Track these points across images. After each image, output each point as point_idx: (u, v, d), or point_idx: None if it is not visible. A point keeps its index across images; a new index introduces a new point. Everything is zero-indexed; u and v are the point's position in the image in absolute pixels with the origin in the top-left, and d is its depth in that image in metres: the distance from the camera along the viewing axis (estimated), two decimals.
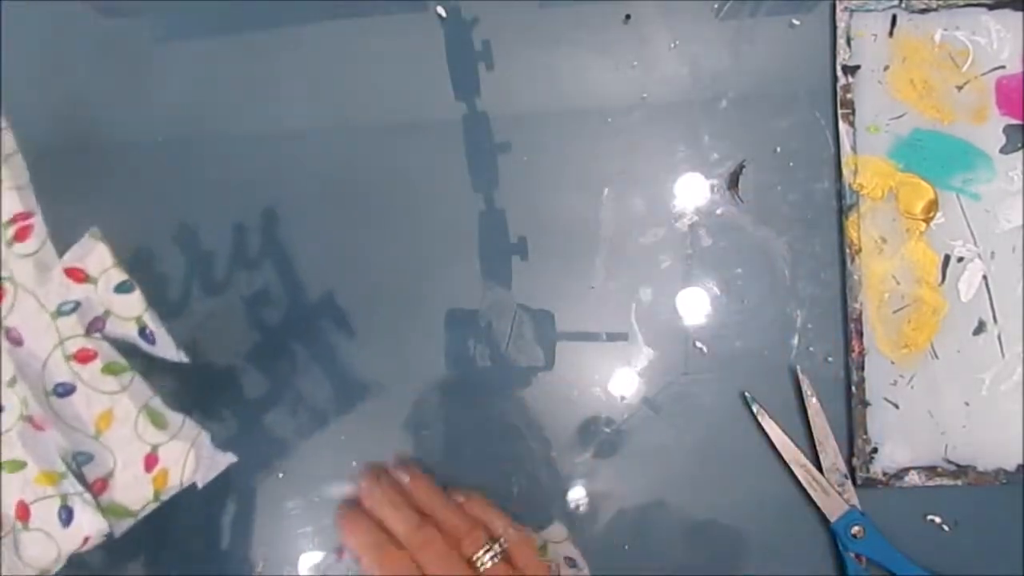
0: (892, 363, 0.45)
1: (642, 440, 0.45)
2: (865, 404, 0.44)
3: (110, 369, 0.42)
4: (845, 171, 0.45)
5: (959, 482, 0.44)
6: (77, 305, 0.42)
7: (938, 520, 0.45)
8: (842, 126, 0.45)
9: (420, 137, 0.46)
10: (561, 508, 0.45)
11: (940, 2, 0.46)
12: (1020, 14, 0.46)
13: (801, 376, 0.45)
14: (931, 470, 0.44)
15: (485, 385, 0.46)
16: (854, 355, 0.45)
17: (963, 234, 0.45)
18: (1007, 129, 0.45)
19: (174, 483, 0.43)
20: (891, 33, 0.46)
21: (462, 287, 0.46)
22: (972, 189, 0.45)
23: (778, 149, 0.46)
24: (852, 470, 0.44)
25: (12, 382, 0.41)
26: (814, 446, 0.44)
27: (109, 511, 0.42)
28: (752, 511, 0.45)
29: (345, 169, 0.46)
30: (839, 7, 0.45)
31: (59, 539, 0.41)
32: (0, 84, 0.46)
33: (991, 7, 0.46)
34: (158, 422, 0.42)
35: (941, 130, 0.45)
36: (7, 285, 0.41)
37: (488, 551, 0.40)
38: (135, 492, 0.42)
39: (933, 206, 0.45)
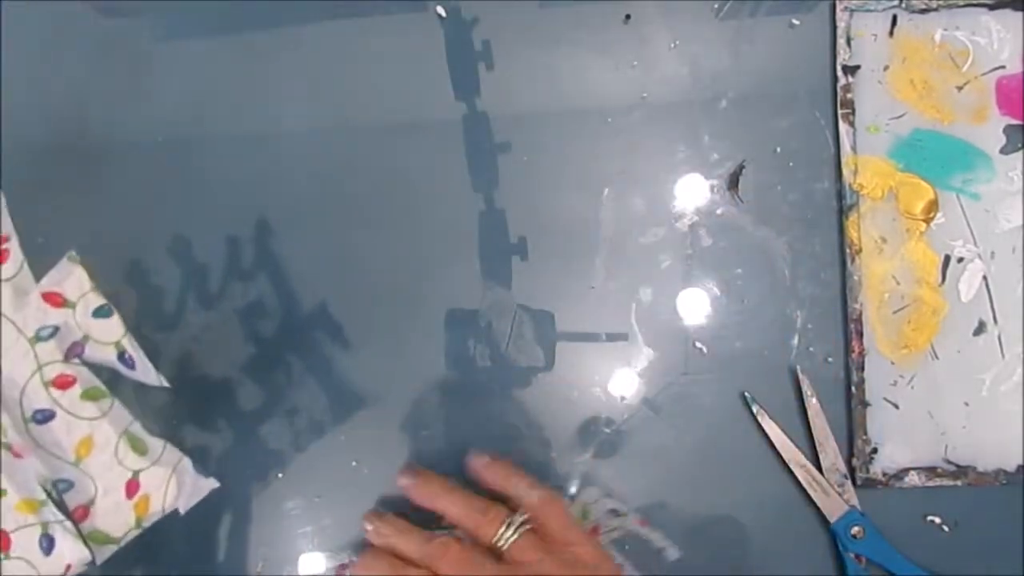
0: (892, 363, 0.45)
1: (642, 440, 0.45)
2: (865, 404, 0.44)
3: (89, 395, 0.41)
4: (845, 171, 0.45)
5: (959, 482, 0.44)
6: (55, 330, 0.41)
7: (938, 520, 0.45)
8: (842, 126, 0.45)
9: (420, 137, 0.46)
10: None
11: (940, 2, 0.45)
12: (1020, 14, 0.46)
13: (801, 376, 0.45)
14: (931, 471, 0.44)
15: (485, 385, 0.46)
16: (854, 355, 0.45)
17: (963, 234, 0.45)
18: (1007, 129, 0.45)
19: (156, 509, 0.42)
20: (891, 33, 0.46)
21: (462, 287, 0.46)
22: (972, 189, 0.45)
23: (778, 149, 0.46)
24: (852, 470, 0.44)
25: None
26: (814, 446, 0.44)
27: (91, 538, 0.41)
28: (752, 511, 0.45)
29: (345, 169, 0.46)
30: (839, 7, 0.45)
31: (40, 568, 0.40)
32: (0, 84, 0.46)
33: (991, 7, 0.46)
34: (139, 448, 0.42)
35: (941, 130, 0.45)
36: None
37: (509, 526, 0.39)
38: (117, 519, 0.42)
39: (933, 206, 0.45)
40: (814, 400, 0.44)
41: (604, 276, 0.46)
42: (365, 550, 0.42)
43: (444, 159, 0.46)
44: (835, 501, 0.44)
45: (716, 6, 0.46)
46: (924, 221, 0.45)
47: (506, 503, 0.41)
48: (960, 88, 0.46)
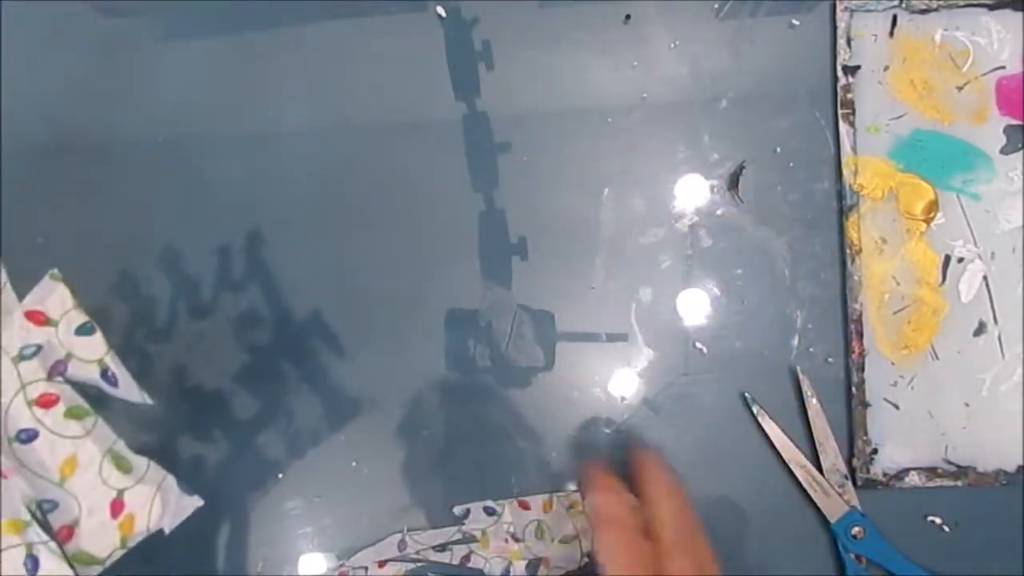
0: (892, 364, 0.45)
1: (642, 440, 0.45)
2: (865, 405, 0.44)
3: (73, 413, 0.41)
4: (845, 171, 0.45)
5: (959, 483, 0.44)
6: (39, 349, 0.41)
7: (938, 521, 0.45)
8: (842, 126, 0.45)
9: (420, 137, 0.46)
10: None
11: (940, 2, 0.45)
12: (1020, 14, 0.46)
13: (801, 377, 0.45)
14: (931, 471, 0.44)
15: (485, 385, 0.46)
16: (854, 356, 0.45)
17: (963, 235, 0.45)
18: (1007, 129, 0.45)
19: (141, 529, 0.42)
20: (891, 33, 0.46)
21: (462, 287, 0.46)
22: (972, 189, 0.45)
23: (778, 149, 0.46)
24: (852, 471, 0.44)
25: None
26: (814, 447, 0.44)
27: (75, 559, 0.40)
28: (752, 511, 0.45)
29: (345, 170, 0.46)
30: (839, 7, 0.45)
31: None
32: (0, 84, 0.46)
33: (991, 7, 0.46)
34: (123, 466, 0.42)
35: (941, 130, 0.45)
36: None
37: None
38: (102, 539, 0.41)
39: (933, 207, 0.45)
40: (814, 400, 0.44)
41: (604, 276, 0.46)
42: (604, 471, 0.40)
43: (444, 159, 0.46)
44: (835, 501, 0.44)
45: (716, 6, 0.46)
46: (924, 221, 0.45)
47: None
48: (960, 88, 0.46)
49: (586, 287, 0.46)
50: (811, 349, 0.45)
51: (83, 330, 0.42)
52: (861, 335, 0.45)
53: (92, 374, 0.42)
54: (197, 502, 0.43)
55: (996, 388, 0.45)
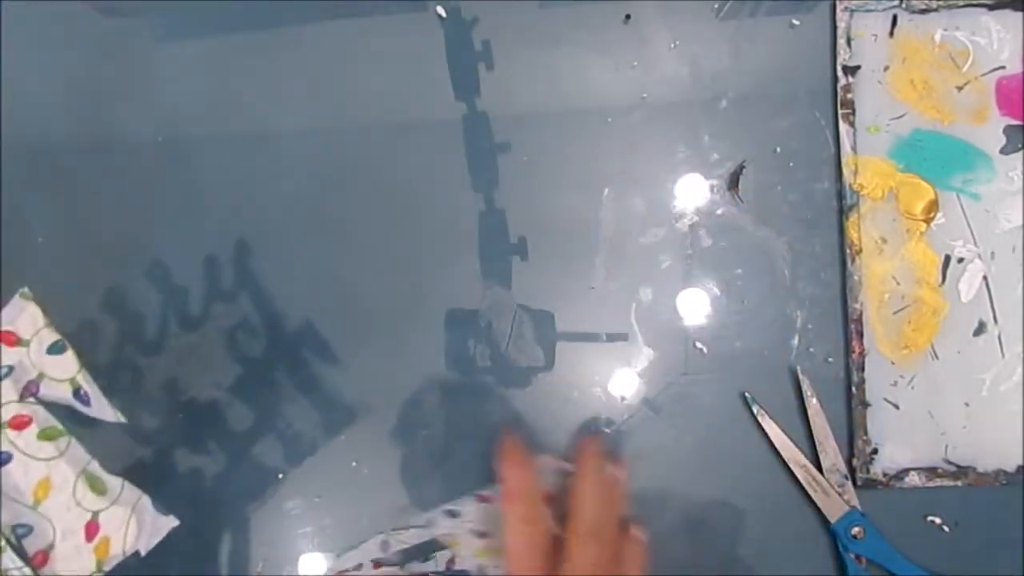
0: (892, 364, 0.45)
1: (642, 440, 0.45)
2: (865, 405, 0.44)
3: (46, 435, 0.41)
4: (845, 171, 0.45)
5: (959, 483, 0.44)
6: (11, 370, 0.40)
7: (938, 521, 0.45)
8: (842, 126, 0.45)
9: (420, 137, 0.46)
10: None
11: (940, 2, 0.45)
12: (1020, 14, 0.46)
13: (801, 377, 0.45)
14: (931, 471, 0.44)
15: (485, 385, 0.46)
16: (854, 356, 0.45)
17: (963, 234, 0.45)
18: (1007, 129, 0.45)
19: (116, 552, 0.41)
20: (891, 33, 0.46)
21: (462, 287, 0.46)
22: (972, 189, 0.45)
23: (778, 149, 0.46)
24: (852, 471, 0.44)
25: None
26: (814, 447, 0.44)
27: None
28: (752, 511, 0.45)
29: (345, 169, 0.46)
30: (839, 7, 0.45)
31: None
32: (0, 84, 0.46)
33: (991, 7, 0.46)
34: (97, 487, 0.41)
35: (941, 130, 0.45)
36: None
37: None
38: (76, 563, 0.41)
39: (933, 206, 0.45)
40: (814, 400, 0.44)
41: (604, 276, 0.46)
42: (520, 445, 0.41)
43: (444, 159, 0.46)
44: (835, 501, 0.44)
45: (716, 6, 0.46)
46: (924, 221, 0.45)
47: None
48: (960, 88, 0.46)
49: (586, 287, 0.46)
50: (811, 349, 0.45)
51: (54, 349, 0.41)
52: (861, 335, 0.45)
53: (64, 393, 0.41)
54: (172, 522, 0.42)
55: (996, 388, 0.45)
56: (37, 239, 0.46)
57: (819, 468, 0.44)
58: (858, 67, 0.45)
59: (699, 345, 0.45)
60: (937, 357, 0.45)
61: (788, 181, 0.46)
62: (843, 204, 0.45)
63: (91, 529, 0.41)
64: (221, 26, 0.47)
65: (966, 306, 0.45)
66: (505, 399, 0.46)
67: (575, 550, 0.38)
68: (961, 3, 0.45)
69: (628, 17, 0.46)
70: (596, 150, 0.46)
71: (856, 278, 0.45)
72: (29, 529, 0.40)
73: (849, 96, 0.45)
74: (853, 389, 0.44)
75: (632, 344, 0.45)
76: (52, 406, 0.42)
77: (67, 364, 0.41)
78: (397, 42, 0.46)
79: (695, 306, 0.46)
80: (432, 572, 0.44)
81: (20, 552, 0.40)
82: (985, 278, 0.45)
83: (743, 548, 0.45)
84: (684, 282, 0.46)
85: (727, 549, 0.45)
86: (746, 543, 0.45)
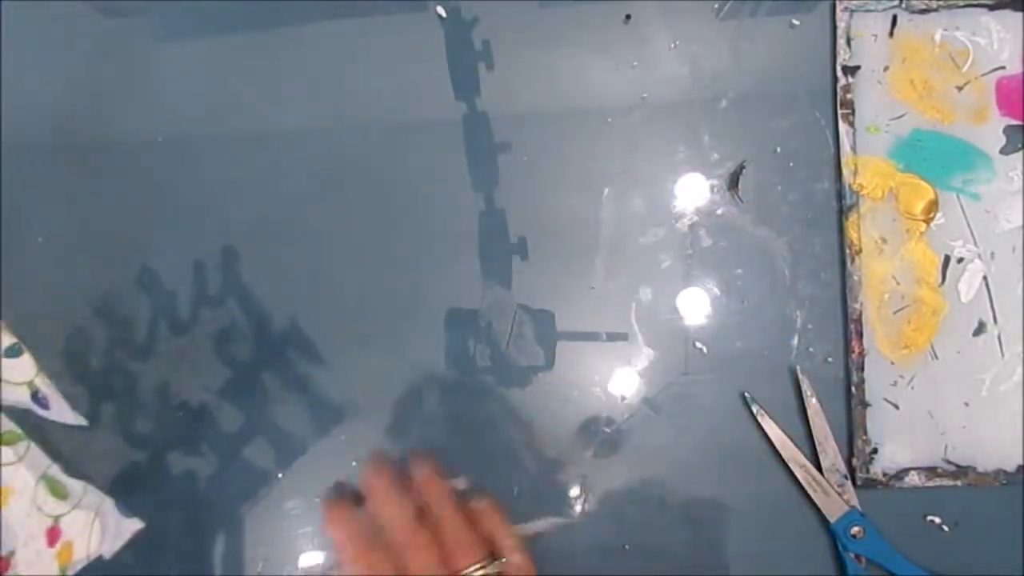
0: (892, 364, 0.45)
1: (642, 440, 0.45)
2: (865, 405, 0.44)
3: (5, 440, 0.40)
4: (845, 171, 0.45)
5: (959, 483, 0.44)
6: None
7: (938, 520, 0.45)
8: (842, 126, 0.45)
9: (420, 137, 0.46)
10: (561, 508, 0.45)
11: (940, 2, 0.45)
12: (1020, 14, 0.46)
13: (801, 376, 0.45)
14: (931, 471, 0.44)
15: (485, 385, 0.46)
16: (854, 356, 0.45)
17: (963, 234, 0.45)
18: (1007, 130, 0.45)
19: (80, 556, 0.40)
20: (891, 33, 0.46)
21: (462, 287, 0.46)
22: (972, 189, 0.45)
23: (778, 149, 0.46)
24: (852, 470, 0.44)
25: None
26: (814, 446, 0.44)
27: None
28: (752, 511, 0.45)
29: (345, 169, 0.46)
30: (839, 7, 0.45)
31: None
32: (0, 84, 0.46)
33: (991, 7, 0.46)
34: (58, 492, 0.40)
35: (941, 130, 0.45)
36: None
37: (480, 568, 0.38)
38: (39, 569, 0.40)
39: (933, 206, 0.45)
40: (814, 400, 0.44)
41: (604, 276, 0.46)
42: (339, 495, 0.42)
43: (444, 159, 0.46)
44: (835, 501, 0.44)
45: (716, 6, 0.46)
46: (924, 221, 0.45)
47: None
48: (960, 88, 0.46)
49: (586, 287, 0.46)
50: (811, 349, 0.45)
51: (11, 352, 0.40)
52: (861, 335, 0.45)
53: (22, 397, 0.41)
54: (136, 524, 0.42)
55: (996, 388, 0.45)
56: (37, 239, 0.46)
57: (819, 468, 0.44)
58: (858, 67, 0.45)
59: (699, 345, 0.45)
60: (937, 357, 0.45)
61: (788, 181, 0.46)
62: (843, 204, 0.45)
63: (53, 534, 0.41)
64: (221, 26, 0.47)
65: (966, 306, 0.45)
66: (505, 399, 0.46)
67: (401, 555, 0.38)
68: (961, 3, 0.45)
69: (628, 17, 0.46)
70: (596, 150, 0.46)
71: (856, 278, 0.45)
72: None
73: (849, 96, 0.45)
74: (853, 389, 0.44)
75: (632, 344, 0.45)
76: (10, 410, 0.41)
77: (24, 367, 0.41)
78: (397, 42, 0.46)
79: (695, 306, 0.46)
80: None
81: None
82: (985, 278, 0.45)
83: (743, 548, 0.45)
84: (684, 282, 0.46)
85: (727, 549, 0.45)
86: (746, 543, 0.45)
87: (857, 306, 0.45)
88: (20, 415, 0.42)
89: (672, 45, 0.46)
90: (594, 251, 0.46)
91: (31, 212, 0.46)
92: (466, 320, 0.46)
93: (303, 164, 0.46)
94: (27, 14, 0.47)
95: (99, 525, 0.41)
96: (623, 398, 0.45)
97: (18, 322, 0.45)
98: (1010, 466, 0.44)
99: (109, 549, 0.41)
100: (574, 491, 0.45)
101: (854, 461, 0.44)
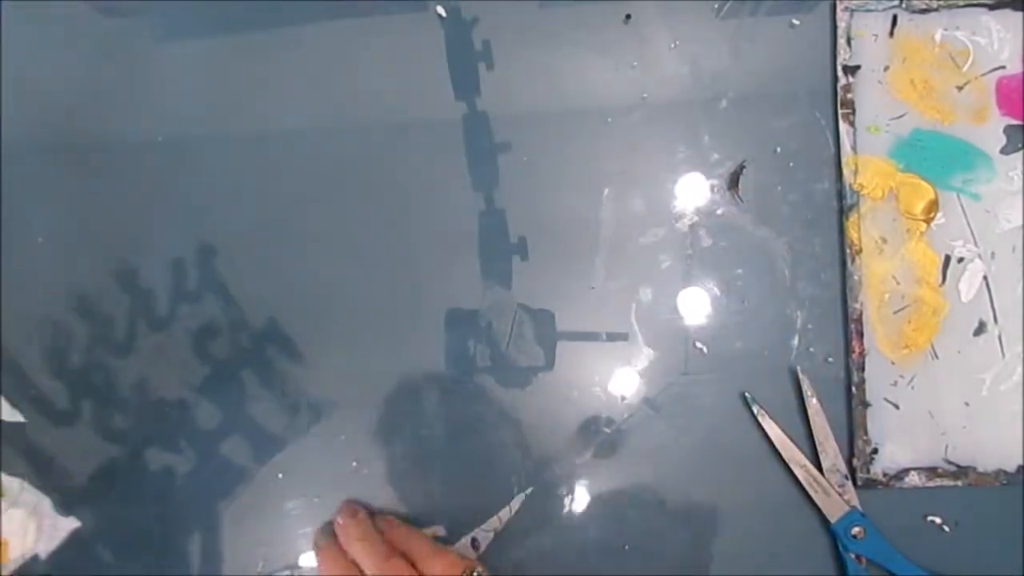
0: (892, 363, 0.45)
1: (642, 440, 0.45)
2: (865, 405, 0.44)
3: None
4: (845, 171, 0.45)
5: (959, 483, 0.44)
6: None
7: (938, 521, 0.45)
8: (842, 126, 0.45)
9: (420, 137, 0.46)
10: (561, 508, 0.45)
11: (940, 2, 0.45)
12: (1020, 14, 0.45)
13: (801, 377, 0.44)
14: (931, 471, 0.44)
15: (485, 385, 0.46)
16: (854, 356, 0.45)
17: (963, 234, 0.45)
18: (1007, 129, 0.45)
19: (16, 555, 0.40)
20: (891, 33, 0.46)
21: (462, 287, 0.46)
22: (972, 189, 0.45)
23: (778, 149, 0.46)
24: (852, 471, 0.44)
25: None
26: (814, 447, 0.44)
27: None
28: (752, 511, 0.45)
29: (345, 169, 0.46)
30: (839, 7, 0.45)
31: None
32: (0, 84, 0.46)
33: (991, 7, 0.45)
34: None
35: (941, 130, 0.45)
36: None
37: None
38: None
39: (933, 206, 0.45)
40: (814, 400, 0.44)
41: (604, 276, 0.46)
42: (329, 538, 0.43)
43: (444, 159, 0.46)
44: (835, 501, 0.44)
45: (716, 6, 0.46)
46: (924, 221, 0.45)
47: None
48: (960, 88, 0.46)
49: (586, 287, 0.46)
50: (811, 349, 0.45)
51: None
52: (861, 335, 0.45)
53: None
54: (73, 523, 0.41)
55: (996, 388, 0.45)
56: (37, 239, 0.46)
57: (819, 468, 0.44)
58: (858, 67, 0.45)
59: (699, 345, 0.45)
60: (937, 357, 0.45)
61: (788, 181, 0.46)
62: (843, 204, 0.45)
63: None
64: (221, 26, 0.47)
65: (966, 306, 0.45)
66: (505, 399, 0.46)
67: None
68: (961, 3, 0.45)
69: (628, 17, 0.46)
70: (596, 150, 0.46)
71: (856, 278, 0.45)
72: None
73: (849, 96, 0.45)
74: (853, 389, 0.44)
75: (632, 344, 0.45)
76: None
77: None
78: (397, 42, 0.46)
79: (695, 306, 0.46)
80: None
81: None
82: (985, 278, 0.45)
83: (743, 548, 0.45)
84: (684, 282, 0.46)
85: (727, 549, 0.45)
86: (746, 543, 0.45)
87: (857, 306, 0.45)
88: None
89: (672, 45, 0.46)
90: (594, 251, 0.46)
91: (31, 212, 0.46)
92: (466, 320, 0.46)
93: (303, 164, 0.46)
94: (27, 14, 0.47)
95: (35, 524, 0.41)
96: (623, 398, 0.45)
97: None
98: (1010, 466, 0.44)
99: (45, 548, 0.41)
100: (574, 491, 0.45)
101: (854, 461, 0.44)
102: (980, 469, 0.44)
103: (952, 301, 0.45)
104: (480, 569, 0.40)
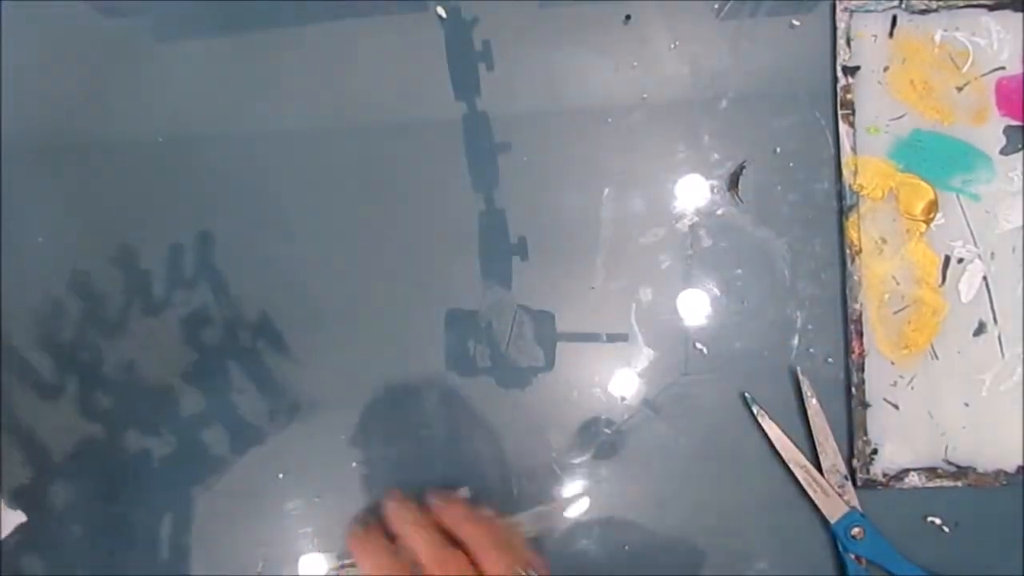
0: (892, 364, 0.45)
1: (642, 441, 0.45)
2: (865, 405, 0.44)
3: None
4: (845, 172, 0.45)
5: (959, 483, 0.44)
6: None
7: (938, 521, 0.45)
8: (842, 126, 0.45)
9: (420, 137, 0.46)
10: (560, 508, 0.45)
11: (940, 3, 0.45)
12: (1020, 15, 0.46)
13: (801, 377, 0.44)
14: (931, 471, 0.44)
15: (485, 385, 0.46)
16: (854, 356, 0.45)
17: (963, 235, 0.45)
18: (1007, 130, 0.45)
19: None
20: (891, 34, 0.46)
21: (462, 287, 0.46)
22: (972, 190, 0.45)
23: (778, 149, 0.46)
24: (852, 471, 0.44)
25: None
26: (814, 447, 0.44)
27: None
28: (752, 512, 0.45)
29: (344, 169, 0.46)
30: (839, 7, 0.45)
31: None
32: (0, 84, 0.46)
33: (991, 8, 0.46)
34: None
35: (941, 131, 0.45)
36: None
37: None
38: None
39: (933, 207, 0.45)
40: (814, 400, 0.44)
41: (604, 276, 0.46)
42: (365, 525, 0.42)
43: (444, 159, 0.46)
44: (835, 502, 0.44)
45: (716, 6, 0.46)
46: (924, 222, 0.45)
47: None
48: (960, 89, 0.46)
49: (586, 287, 0.46)
50: (811, 349, 0.45)
51: None
52: (861, 335, 0.45)
53: None
54: (20, 517, 0.42)
55: (996, 388, 0.45)
56: (37, 239, 0.46)
57: (819, 468, 0.44)
58: (858, 67, 0.45)
59: (699, 345, 0.45)
60: (937, 357, 0.45)
61: (788, 181, 0.46)
62: (843, 204, 0.45)
63: None
64: (221, 26, 0.47)
65: (966, 306, 0.45)
66: (505, 399, 0.46)
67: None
68: (961, 3, 0.45)
69: (628, 17, 0.46)
70: (596, 150, 0.46)
71: (856, 278, 0.45)
72: None
73: (849, 96, 0.45)
74: (853, 389, 0.44)
75: (632, 344, 0.45)
76: None
77: None
78: (397, 42, 0.46)
79: (695, 306, 0.46)
80: None
81: None
82: (985, 278, 0.45)
83: (743, 548, 0.45)
84: (684, 282, 0.46)
85: (727, 549, 0.45)
86: (746, 543, 0.45)
87: (857, 306, 0.45)
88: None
89: (672, 45, 0.46)
90: (594, 251, 0.46)
91: (31, 212, 0.46)
92: (466, 320, 0.46)
93: (303, 164, 0.46)
94: (27, 14, 0.47)
95: None
96: (623, 399, 0.45)
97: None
98: (1010, 466, 0.44)
99: None
100: (574, 491, 0.45)
101: (854, 461, 0.44)
102: (980, 469, 0.44)
103: (952, 301, 0.45)
104: (536, 569, 0.39)
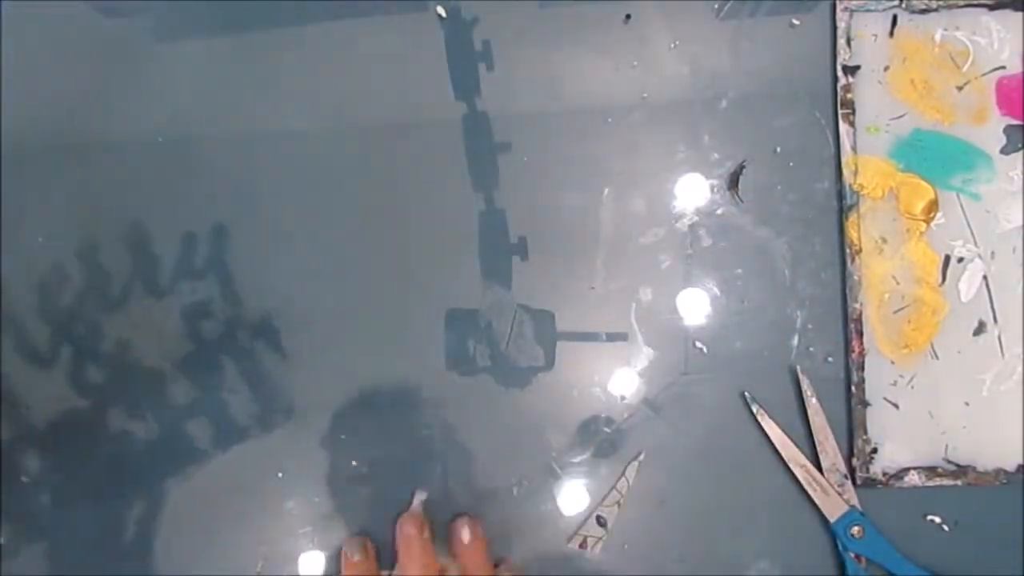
0: (892, 363, 0.45)
1: (642, 440, 0.45)
2: (865, 404, 0.44)
3: None
4: (845, 171, 0.45)
5: (959, 482, 0.44)
6: None
7: (938, 520, 0.45)
8: (842, 126, 0.45)
9: (420, 137, 0.46)
10: (561, 508, 0.45)
11: (940, 2, 0.45)
12: (1020, 14, 0.45)
13: (801, 376, 0.45)
14: (931, 470, 0.44)
15: (485, 385, 0.46)
16: (854, 355, 0.45)
17: (963, 234, 0.45)
18: (1007, 129, 0.45)
19: None
20: (891, 33, 0.46)
21: (462, 287, 0.46)
22: (972, 189, 0.45)
23: (778, 149, 0.46)
24: (852, 470, 0.44)
25: None
26: (814, 446, 0.44)
27: None
28: (752, 511, 0.45)
29: (344, 169, 0.46)
30: (839, 7, 0.45)
31: None
32: (0, 84, 0.46)
33: (991, 7, 0.45)
34: None
35: (941, 130, 0.45)
36: None
37: None
38: None
39: (933, 206, 0.45)
40: (814, 400, 0.44)
41: (604, 276, 0.46)
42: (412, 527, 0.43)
43: (444, 159, 0.46)
44: (835, 501, 0.44)
45: (716, 6, 0.46)
46: (924, 221, 0.45)
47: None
48: (960, 88, 0.46)
49: (586, 287, 0.46)
50: (811, 349, 0.45)
51: None
52: (861, 335, 0.45)
53: None
54: None
55: (996, 388, 0.45)
56: (37, 239, 0.46)
57: (819, 467, 0.44)
58: (858, 67, 0.45)
59: (699, 345, 0.45)
60: (937, 357, 0.45)
61: (788, 181, 0.46)
62: (843, 204, 0.45)
63: None
64: (221, 26, 0.46)
65: (966, 306, 0.45)
66: (505, 399, 0.46)
67: None
68: (961, 3, 0.45)
69: (628, 17, 0.46)
70: (596, 150, 0.46)
71: (856, 278, 0.45)
72: None
73: (849, 96, 0.45)
74: (853, 389, 0.44)
75: (632, 344, 0.46)
76: None
77: None
78: (397, 42, 0.46)
79: (695, 306, 0.46)
80: None
81: None
82: (985, 278, 0.45)
83: (743, 548, 0.45)
84: (684, 282, 0.46)
85: (727, 549, 0.45)
86: (746, 543, 0.45)
87: (857, 306, 0.45)
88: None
89: (672, 45, 0.46)
90: (594, 251, 0.46)
91: (31, 212, 0.46)
92: (466, 320, 0.46)
93: (303, 164, 0.46)
94: (27, 14, 0.47)
95: None
96: (623, 398, 0.45)
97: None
98: (1010, 466, 0.44)
99: None
100: (574, 491, 0.45)
101: (854, 461, 0.44)
102: (980, 469, 0.44)
103: (952, 301, 0.45)
104: None
